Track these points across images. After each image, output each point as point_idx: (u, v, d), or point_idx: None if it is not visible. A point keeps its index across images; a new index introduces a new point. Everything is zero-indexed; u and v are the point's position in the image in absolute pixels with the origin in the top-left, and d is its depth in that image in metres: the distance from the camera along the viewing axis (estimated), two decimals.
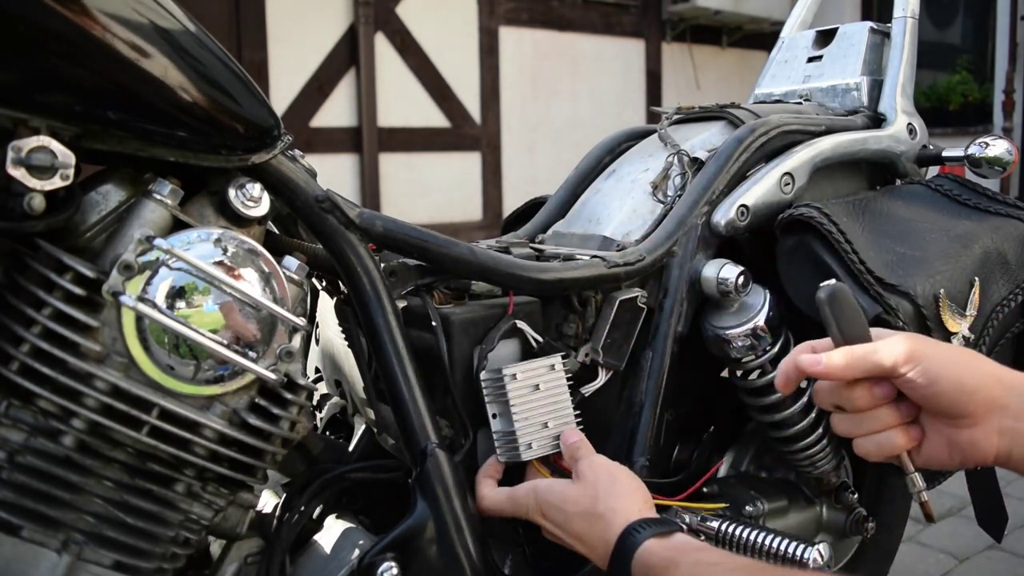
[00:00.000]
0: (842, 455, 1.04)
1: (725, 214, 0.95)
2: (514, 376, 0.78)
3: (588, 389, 0.88)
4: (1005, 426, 0.62)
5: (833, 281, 0.67)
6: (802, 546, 0.83)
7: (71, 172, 0.57)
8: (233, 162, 0.67)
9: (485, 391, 0.79)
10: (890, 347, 0.63)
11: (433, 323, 0.79)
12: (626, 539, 0.68)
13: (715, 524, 0.86)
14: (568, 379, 0.87)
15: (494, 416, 0.80)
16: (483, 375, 0.79)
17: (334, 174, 4.84)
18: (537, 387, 0.80)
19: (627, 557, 0.67)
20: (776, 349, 0.94)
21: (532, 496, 0.76)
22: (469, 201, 5.54)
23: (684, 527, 0.71)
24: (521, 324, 0.83)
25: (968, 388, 0.62)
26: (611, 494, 0.73)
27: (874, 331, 0.67)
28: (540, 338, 0.84)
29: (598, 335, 0.88)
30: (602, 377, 0.89)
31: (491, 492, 0.79)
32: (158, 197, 0.63)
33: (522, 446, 0.79)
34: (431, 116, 5.30)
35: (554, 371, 0.81)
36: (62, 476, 0.60)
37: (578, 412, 0.84)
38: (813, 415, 0.95)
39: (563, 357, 0.83)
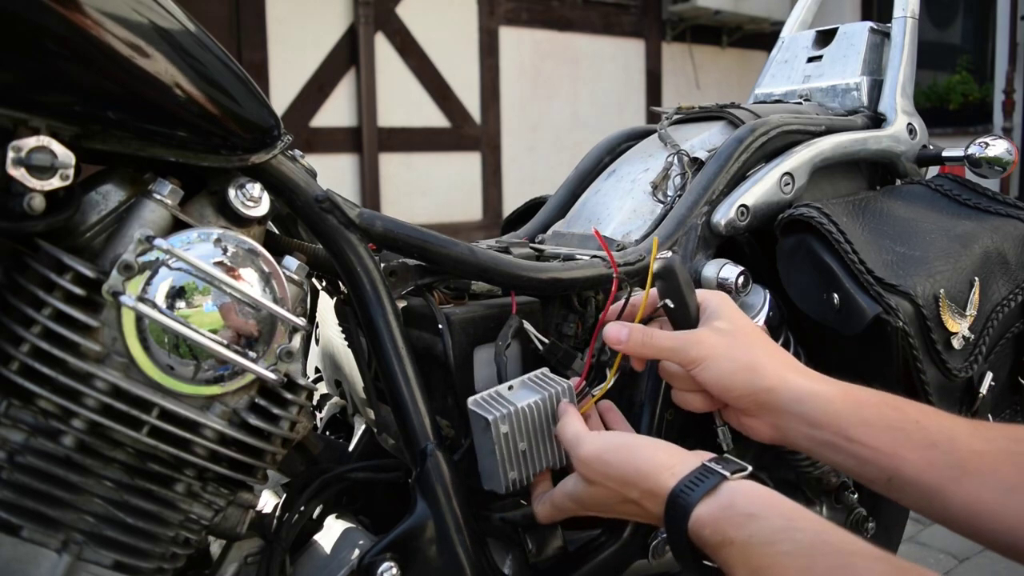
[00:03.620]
0: None
1: (725, 214, 0.95)
2: (504, 430, 0.73)
3: (596, 391, 0.88)
4: (776, 423, 0.72)
5: (668, 254, 0.77)
6: None
7: (71, 172, 0.57)
8: (233, 162, 0.67)
9: (471, 418, 0.75)
10: (683, 351, 0.73)
11: (439, 325, 0.78)
12: (676, 504, 0.62)
13: None
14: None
15: (469, 439, 0.77)
16: (470, 405, 0.75)
17: (334, 174, 4.84)
18: (527, 428, 0.75)
19: (682, 526, 0.61)
20: None
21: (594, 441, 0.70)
22: (469, 201, 5.54)
23: (726, 474, 0.63)
24: (527, 325, 0.83)
25: (734, 394, 0.72)
26: (653, 442, 0.70)
27: (701, 296, 0.77)
28: (545, 340, 0.84)
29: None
30: (610, 379, 0.88)
31: (572, 421, 0.74)
32: (158, 197, 0.63)
33: (503, 481, 0.75)
34: (431, 116, 5.31)
35: (545, 407, 0.76)
36: (62, 476, 0.59)
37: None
38: None
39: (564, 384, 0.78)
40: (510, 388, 0.77)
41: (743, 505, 0.60)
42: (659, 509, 0.63)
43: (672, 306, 0.76)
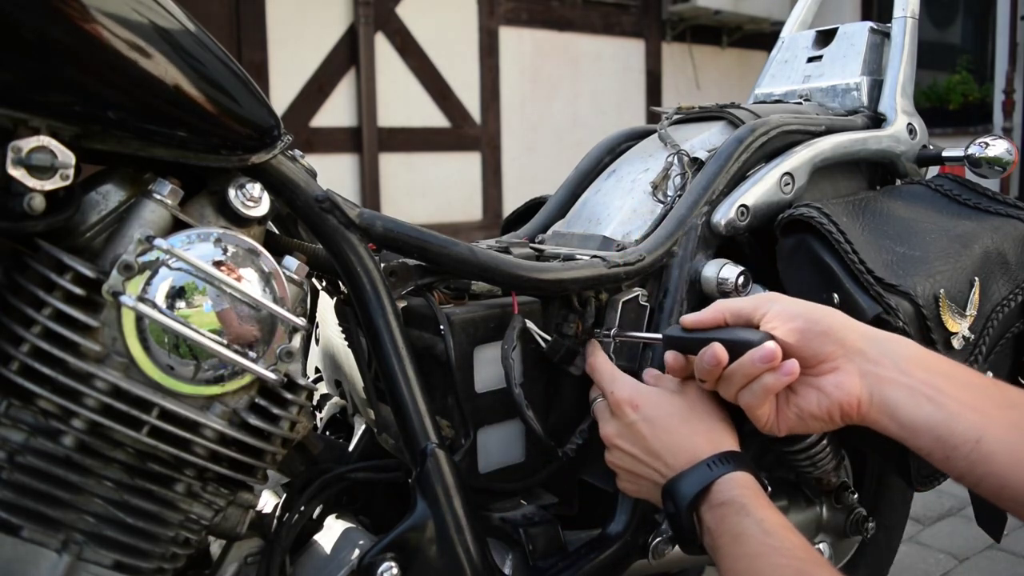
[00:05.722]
0: (842, 455, 1.04)
1: (725, 214, 0.95)
2: None
3: None
4: (864, 369, 0.67)
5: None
6: None
7: (71, 172, 0.57)
8: (233, 162, 0.67)
9: None
10: (750, 298, 0.74)
11: (441, 327, 0.78)
12: (717, 462, 0.72)
13: None
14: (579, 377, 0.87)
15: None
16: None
17: (334, 174, 4.84)
18: None
19: (712, 476, 0.71)
20: None
21: (630, 388, 0.79)
22: (469, 201, 5.54)
23: (768, 485, 0.74)
24: (529, 324, 0.83)
25: (822, 327, 0.69)
26: (712, 415, 0.77)
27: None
28: (548, 337, 0.84)
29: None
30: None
31: (600, 355, 0.83)
32: (158, 197, 0.63)
33: None
34: (431, 116, 5.31)
35: None
36: (62, 476, 0.60)
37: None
38: None
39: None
40: None
41: (762, 497, 0.69)
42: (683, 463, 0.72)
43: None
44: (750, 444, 1.08)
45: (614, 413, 0.79)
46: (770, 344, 0.69)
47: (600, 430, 0.81)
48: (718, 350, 0.71)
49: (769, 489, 0.74)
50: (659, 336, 0.80)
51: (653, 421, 0.76)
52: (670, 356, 0.78)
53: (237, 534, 0.71)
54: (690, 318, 0.76)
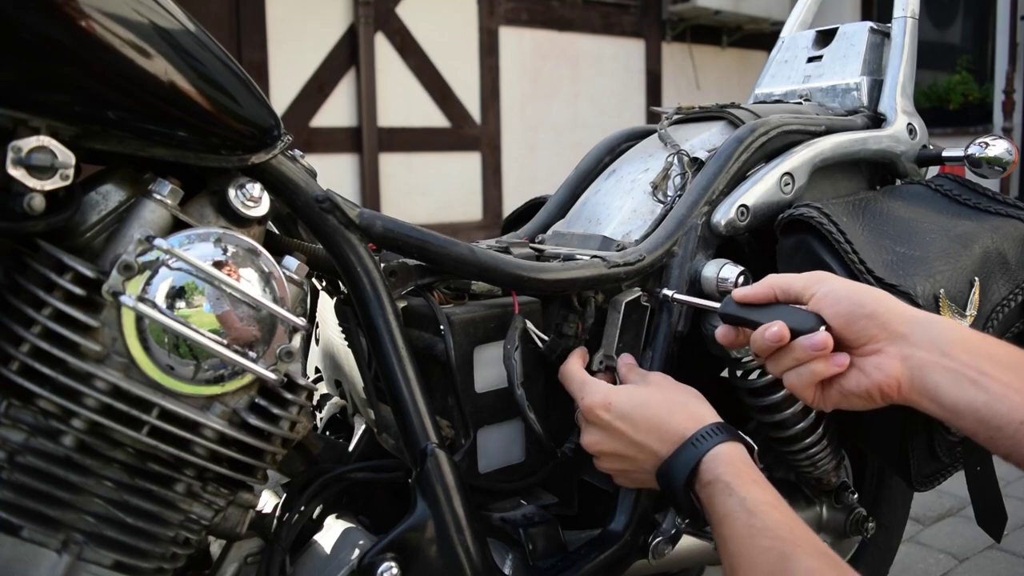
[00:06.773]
0: (842, 455, 1.04)
1: (725, 214, 0.95)
2: None
3: None
4: (905, 353, 0.68)
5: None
6: None
7: (71, 172, 0.57)
8: (233, 162, 0.67)
9: None
10: (800, 276, 0.75)
11: (442, 327, 0.78)
12: (702, 437, 0.73)
13: None
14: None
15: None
16: None
17: (334, 174, 4.85)
18: None
19: (698, 454, 0.72)
20: None
21: (600, 392, 0.79)
22: (469, 201, 5.54)
23: (754, 446, 0.74)
24: (529, 324, 0.83)
25: (867, 310, 0.70)
26: (686, 392, 0.79)
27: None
28: (546, 337, 0.84)
29: (609, 340, 0.88)
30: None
31: (575, 365, 0.84)
32: (158, 197, 0.63)
33: None
34: (431, 116, 5.31)
35: None
36: (62, 476, 0.60)
37: None
38: (813, 415, 0.95)
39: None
40: None
41: (748, 470, 0.70)
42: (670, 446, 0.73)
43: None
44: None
45: (588, 420, 0.80)
46: (822, 333, 0.70)
47: (581, 441, 0.81)
48: (783, 330, 0.72)
49: (756, 449, 0.74)
50: (716, 305, 0.81)
51: (629, 415, 0.77)
52: (724, 329, 0.79)
53: (237, 534, 0.71)
54: (741, 292, 0.77)
